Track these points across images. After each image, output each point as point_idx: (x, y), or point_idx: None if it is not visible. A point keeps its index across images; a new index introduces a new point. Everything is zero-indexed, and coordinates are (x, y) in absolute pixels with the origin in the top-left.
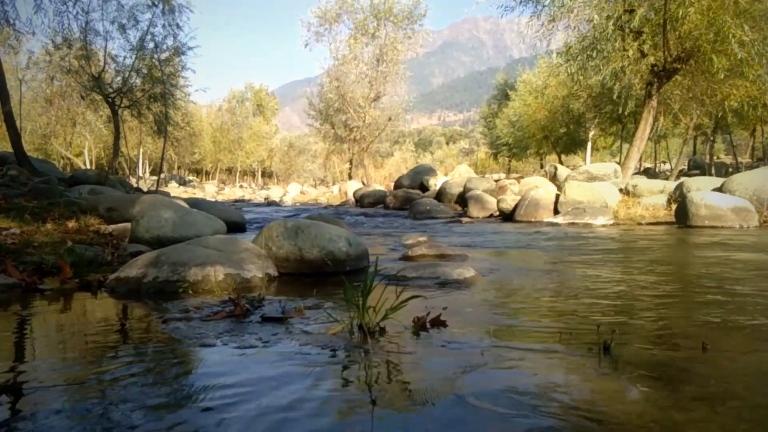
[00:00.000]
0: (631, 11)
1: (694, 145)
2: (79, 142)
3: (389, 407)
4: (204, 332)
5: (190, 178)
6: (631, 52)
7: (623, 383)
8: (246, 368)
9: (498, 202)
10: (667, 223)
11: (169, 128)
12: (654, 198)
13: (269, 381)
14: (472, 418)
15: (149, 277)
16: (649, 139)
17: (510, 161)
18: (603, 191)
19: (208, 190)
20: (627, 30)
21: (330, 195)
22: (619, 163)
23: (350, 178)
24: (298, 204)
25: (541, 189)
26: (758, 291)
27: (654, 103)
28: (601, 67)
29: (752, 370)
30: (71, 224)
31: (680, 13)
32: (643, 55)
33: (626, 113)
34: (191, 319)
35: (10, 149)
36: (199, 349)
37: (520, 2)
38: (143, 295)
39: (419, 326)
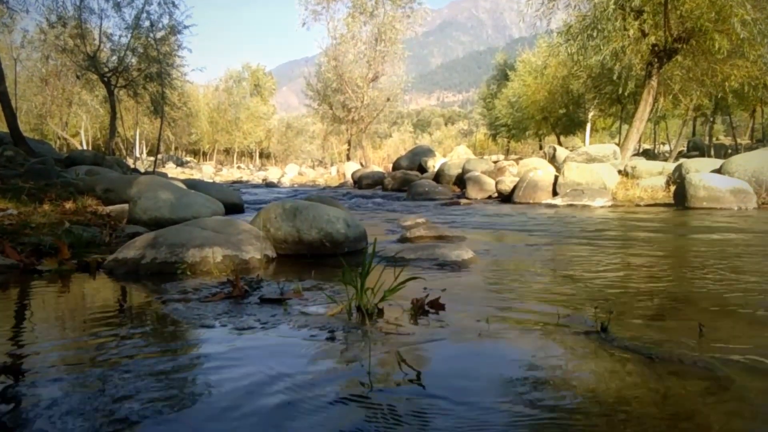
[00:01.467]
0: None
1: (694, 127)
2: (75, 122)
3: (387, 387)
4: (203, 313)
5: (188, 158)
6: (631, 32)
7: (620, 363)
8: (245, 349)
9: (496, 183)
10: (665, 204)
11: (166, 108)
12: (653, 179)
13: (268, 362)
14: (470, 397)
15: (147, 259)
16: (649, 120)
17: (509, 142)
18: (602, 173)
19: (206, 171)
20: (628, 9)
21: (328, 176)
22: (618, 145)
23: (348, 159)
24: (296, 185)
25: (540, 170)
26: (756, 273)
27: (654, 83)
28: (602, 47)
29: (748, 351)
30: (68, 205)
31: None
32: (644, 34)
33: (626, 94)
34: (190, 300)
35: (5, 129)
36: (198, 330)
37: None
38: (141, 276)
39: (417, 308)
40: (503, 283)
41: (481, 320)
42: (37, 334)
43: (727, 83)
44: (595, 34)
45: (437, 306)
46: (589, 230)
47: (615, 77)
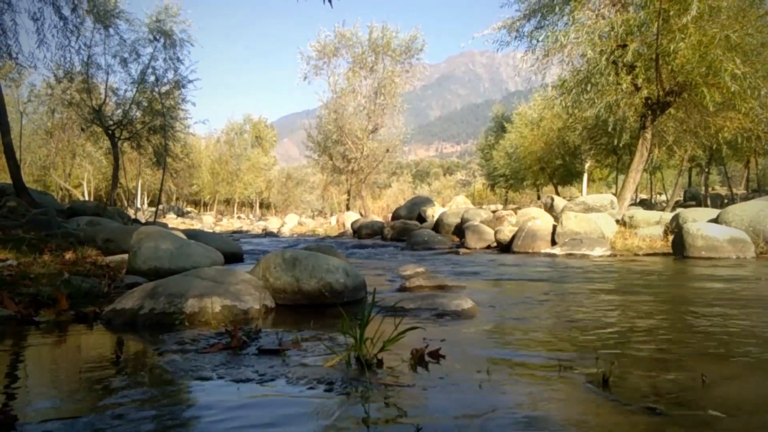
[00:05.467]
0: (624, 46)
1: (689, 177)
2: (78, 173)
3: None
4: (200, 365)
5: (188, 209)
6: (624, 86)
7: (623, 416)
8: (242, 402)
9: (495, 232)
10: (663, 254)
11: (168, 160)
12: (650, 229)
13: (265, 416)
14: None
15: (146, 309)
16: (645, 170)
17: (507, 192)
18: (600, 222)
19: (206, 221)
20: (620, 64)
21: (328, 226)
22: (615, 194)
23: (348, 209)
24: (295, 235)
25: (539, 220)
26: (756, 322)
27: (648, 135)
28: (596, 100)
29: (751, 402)
30: (68, 255)
31: (672, 48)
32: (637, 88)
33: (621, 145)
34: (187, 351)
35: (9, 181)
36: (195, 383)
37: (515, 38)
38: (139, 327)
39: (417, 358)
40: (503, 333)
41: (481, 371)
42: (29, 387)
43: (720, 135)
44: (588, 88)
45: (437, 356)
46: (589, 280)
47: (610, 129)
